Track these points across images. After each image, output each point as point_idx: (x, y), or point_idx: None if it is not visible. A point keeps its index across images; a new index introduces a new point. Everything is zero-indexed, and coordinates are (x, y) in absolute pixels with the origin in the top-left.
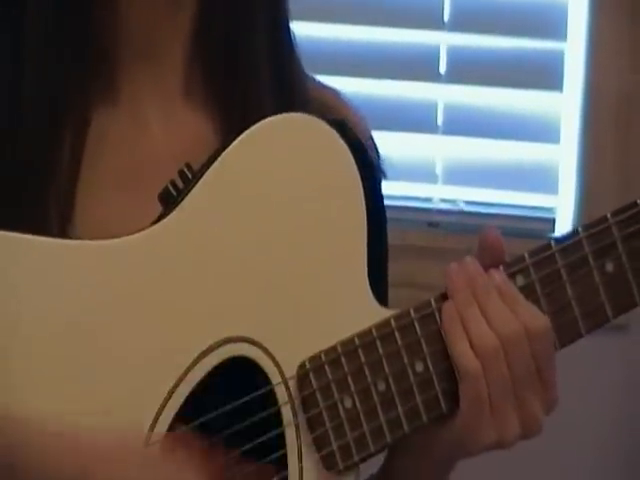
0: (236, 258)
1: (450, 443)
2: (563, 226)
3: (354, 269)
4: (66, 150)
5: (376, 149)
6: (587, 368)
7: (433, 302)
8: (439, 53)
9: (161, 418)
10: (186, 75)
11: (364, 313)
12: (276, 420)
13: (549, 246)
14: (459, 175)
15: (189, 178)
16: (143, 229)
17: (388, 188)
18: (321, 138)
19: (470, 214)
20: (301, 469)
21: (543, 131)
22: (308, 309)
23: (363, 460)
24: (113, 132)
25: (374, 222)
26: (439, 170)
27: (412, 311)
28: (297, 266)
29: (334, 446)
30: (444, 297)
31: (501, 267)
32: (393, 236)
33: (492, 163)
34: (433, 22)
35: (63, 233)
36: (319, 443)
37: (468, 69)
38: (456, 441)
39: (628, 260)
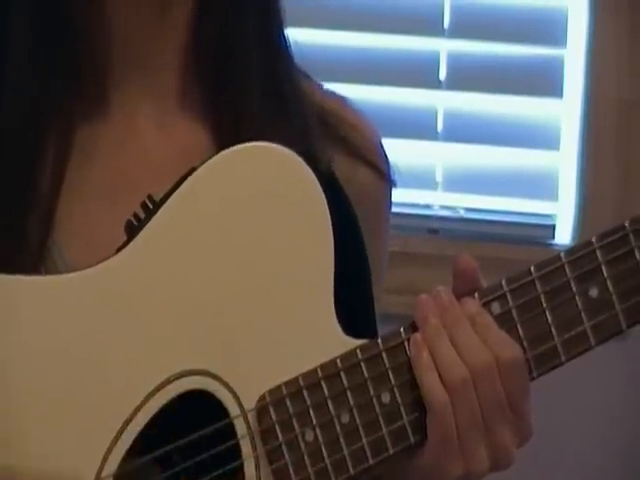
0: (193, 289)
1: (419, 475)
2: (563, 233)
3: (319, 300)
4: (49, 164)
5: (386, 157)
6: (587, 373)
7: (403, 332)
8: (439, 60)
9: (111, 456)
10: (181, 85)
11: (330, 344)
12: (235, 453)
13: (528, 272)
14: (459, 182)
15: (150, 209)
16: (102, 261)
17: None
18: (287, 167)
19: (470, 221)
20: None
21: (543, 138)
22: (270, 340)
23: None
24: (101, 143)
25: (351, 251)
26: (439, 177)
27: (380, 342)
28: (259, 297)
29: (293, 479)
30: (414, 327)
31: (476, 295)
32: (393, 243)
33: (492, 170)
34: (433, 29)
35: (42, 247)
36: (278, 476)
37: (468, 76)
38: (425, 473)
39: (613, 285)
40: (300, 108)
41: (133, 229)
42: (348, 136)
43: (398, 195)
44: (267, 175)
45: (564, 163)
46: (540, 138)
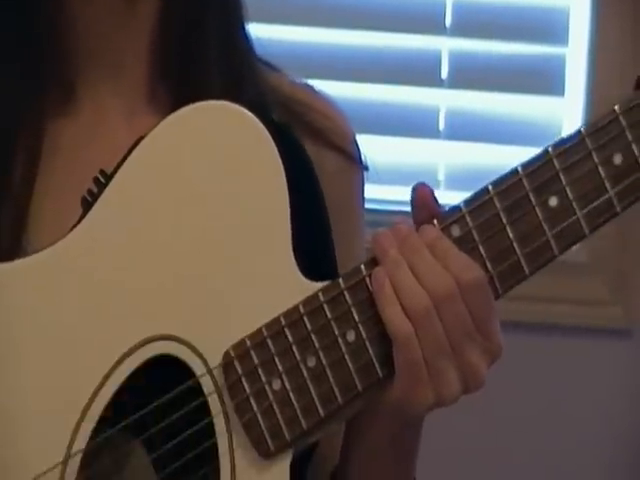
0: (149, 255)
1: (391, 408)
2: None
3: (277, 250)
4: (20, 162)
5: (356, 143)
6: (591, 373)
7: (363, 269)
8: (441, 58)
9: (82, 427)
10: (149, 81)
11: (292, 291)
12: (205, 412)
13: (486, 191)
14: (461, 180)
15: (102, 183)
16: (59, 239)
17: (390, 193)
18: (235, 120)
19: None
20: (232, 455)
21: (545, 136)
22: (230, 296)
23: (297, 439)
24: (71, 139)
25: (308, 199)
26: (441, 175)
27: (341, 281)
28: (215, 254)
29: (264, 428)
30: (375, 262)
31: (435, 221)
32: None
33: (494, 168)
34: (435, 27)
35: (16, 245)
36: (248, 428)
37: (470, 74)
38: (396, 406)
39: (573, 191)
40: (262, 100)
41: (88, 205)
42: (316, 122)
43: (400, 193)
44: (216, 130)
45: None
46: (542, 136)
